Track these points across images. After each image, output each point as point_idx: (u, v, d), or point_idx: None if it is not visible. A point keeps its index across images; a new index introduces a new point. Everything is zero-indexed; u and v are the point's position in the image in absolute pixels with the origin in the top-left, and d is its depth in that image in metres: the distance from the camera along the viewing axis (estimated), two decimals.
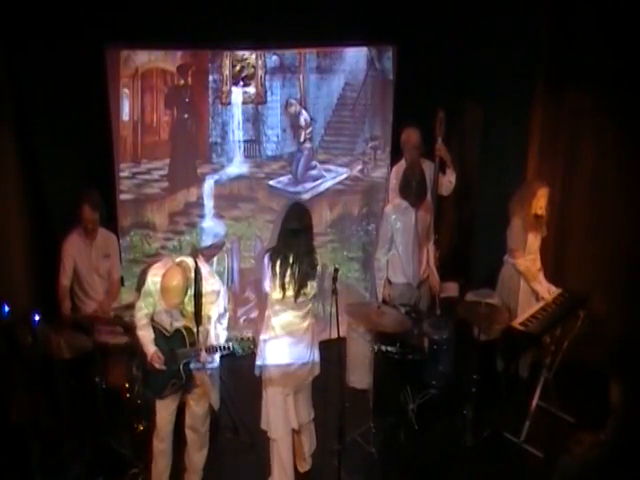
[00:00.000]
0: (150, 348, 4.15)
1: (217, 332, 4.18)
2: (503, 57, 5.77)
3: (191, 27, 5.35)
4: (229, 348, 4.05)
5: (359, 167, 6.43)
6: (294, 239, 4.17)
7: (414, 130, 5.46)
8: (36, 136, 5.34)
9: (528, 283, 5.25)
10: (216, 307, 4.13)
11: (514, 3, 5.71)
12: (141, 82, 5.69)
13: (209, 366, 4.21)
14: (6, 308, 4.49)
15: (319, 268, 4.34)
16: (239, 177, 6.10)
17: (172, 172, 5.92)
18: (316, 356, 4.38)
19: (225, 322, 4.26)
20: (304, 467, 4.60)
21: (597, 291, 5.35)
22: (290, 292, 4.17)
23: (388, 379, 4.95)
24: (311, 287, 4.21)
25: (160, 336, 4.17)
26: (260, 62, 5.94)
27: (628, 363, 2.80)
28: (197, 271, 4.03)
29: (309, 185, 6.31)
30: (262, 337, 4.34)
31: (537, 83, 5.82)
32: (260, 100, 6.02)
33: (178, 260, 4.05)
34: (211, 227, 6.09)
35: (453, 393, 5.08)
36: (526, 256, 5.24)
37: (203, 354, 4.07)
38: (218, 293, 4.13)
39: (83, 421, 4.67)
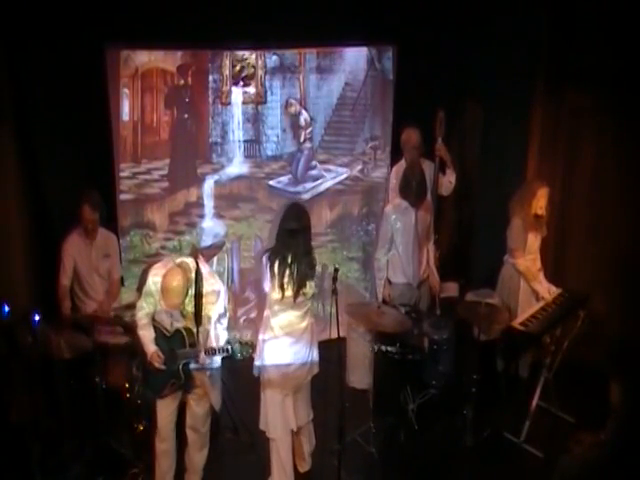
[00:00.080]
0: (150, 347, 4.15)
1: (217, 332, 4.17)
2: (503, 57, 5.77)
3: (191, 27, 5.35)
4: (227, 351, 4.06)
5: (359, 167, 6.42)
6: (292, 239, 4.16)
7: (414, 130, 5.46)
8: (36, 136, 5.34)
9: (528, 283, 5.25)
10: (216, 307, 4.13)
11: (514, 3, 5.71)
12: (141, 82, 5.69)
13: (208, 367, 4.20)
14: (6, 308, 4.49)
15: (319, 268, 4.36)
16: (239, 177, 6.10)
17: (172, 172, 5.92)
18: (315, 356, 4.38)
19: (225, 322, 4.25)
20: (304, 467, 4.60)
21: (597, 291, 5.35)
22: (289, 292, 4.17)
23: (388, 379, 4.95)
24: (310, 287, 4.21)
25: (160, 336, 4.18)
26: (260, 62, 5.94)
27: (628, 363, 2.80)
28: (198, 272, 4.04)
29: (309, 185, 6.31)
30: (261, 337, 4.34)
31: (537, 83, 5.82)
32: (260, 100, 6.02)
33: (179, 261, 4.05)
34: (211, 227, 6.09)
35: (453, 393, 5.08)
36: (526, 256, 5.24)
37: (202, 355, 4.07)
38: (218, 293, 4.13)
39: (83, 421, 4.67)
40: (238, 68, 5.91)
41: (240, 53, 5.88)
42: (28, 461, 4.35)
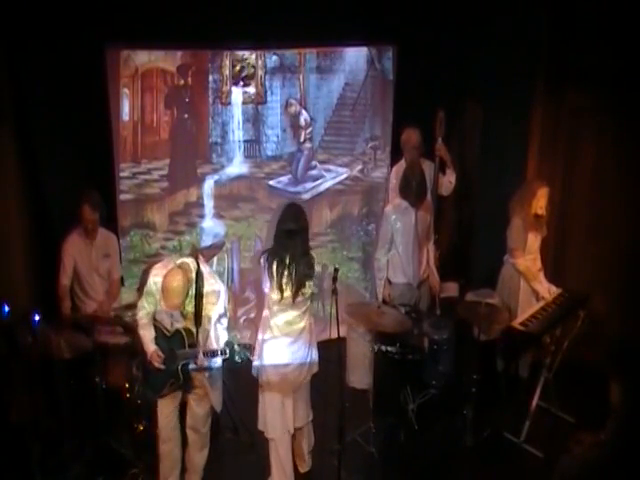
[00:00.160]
0: (150, 347, 4.16)
1: (217, 332, 4.17)
2: (503, 57, 5.77)
3: (191, 27, 5.35)
4: (225, 353, 4.06)
5: (359, 167, 6.43)
6: (290, 240, 4.16)
7: (414, 130, 5.46)
8: (36, 136, 5.34)
9: (528, 283, 5.25)
10: (216, 308, 4.13)
11: (514, 3, 5.71)
12: (141, 82, 5.69)
13: (207, 369, 4.20)
14: (6, 308, 4.49)
15: (319, 268, 4.36)
16: (239, 177, 6.10)
17: (172, 172, 5.92)
18: (314, 356, 4.38)
19: (225, 322, 4.25)
20: (304, 467, 4.60)
21: (597, 291, 5.34)
22: (288, 293, 4.16)
23: (388, 379, 4.94)
24: (309, 287, 4.21)
25: (161, 335, 4.18)
26: (260, 62, 5.94)
27: (628, 363, 2.80)
28: (199, 273, 4.04)
29: (309, 185, 6.31)
30: (260, 337, 4.34)
31: (537, 83, 5.82)
32: (260, 100, 6.02)
33: (179, 262, 4.05)
34: (211, 227, 6.09)
35: (453, 393, 5.08)
36: (526, 256, 5.24)
37: (200, 357, 4.07)
38: (218, 293, 4.13)
39: (83, 421, 4.67)
40: (238, 68, 5.91)
41: (240, 53, 5.88)
42: (28, 461, 4.35)
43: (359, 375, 5.19)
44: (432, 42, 5.83)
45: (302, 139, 6.19)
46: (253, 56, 5.91)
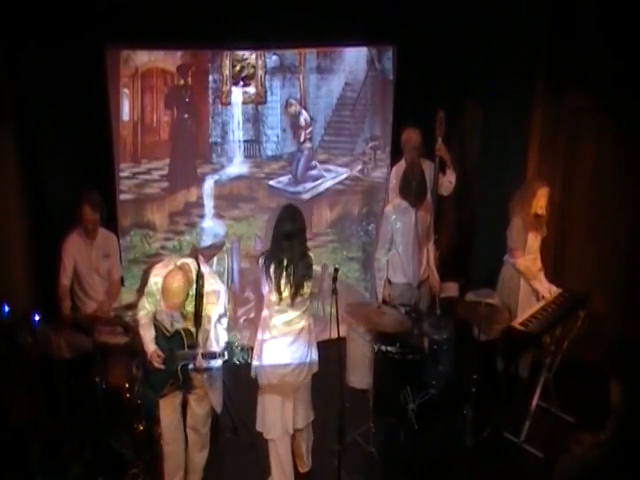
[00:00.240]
0: (150, 347, 4.16)
1: (217, 332, 4.17)
2: (503, 57, 5.77)
3: (191, 27, 5.35)
4: (224, 356, 4.06)
5: (359, 167, 6.43)
6: (287, 242, 4.14)
7: (414, 130, 5.46)
8: (36, 136, 5.34)
9: (528, 282, 5.25)
10: (216, 308, 4.12)
11: (514, 3, 5.71)
12: (141, 82, 5.69)
13: (206, 370, 4.19)
14: (6, 308, 4.49)
15: (319, 268, 4.34)
16: (239, 177, 6.10)
17: (172, 172, 5.92)
18: (314, 356, 4.38)
19: (225, 322, 4.25)
20: (304, 467, 4.60)
21: (597, 291, 5.34)
22: (286, 294, 4.16)
23: (388, 379, 4.94)
24: (307, 287, 4.20)
25: (161, 336, 4.18)
26: (260, 62, 5.94)
27: (628, 363, 2.80)
28: (199, 274, 4.03)
29: (309, 185, 6.31)
30: (260, 337, 4.33)
31: (537, 83, 5.82)
32: (260, 100, 6.02)
33: (180, 263, 4.04)
34: (211, 227, 6.09)
35: (453, 393, 5.08)
36: (526, 256, 5.24)
37: (199, 359, 4.07)
38: (218, 293, 4.12)
39: (83, 421, 4.67)
40: (238, 68, 5.91)
41: (240, 53, 5.88)
42: (28, 461, 4.35)
43: (359, 375, 5.19)
44: (432, 42, 5.83)
45: (302, 139, 6.19)
46: (253, 56, 5.92)
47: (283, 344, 4.27)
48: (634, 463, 2.65)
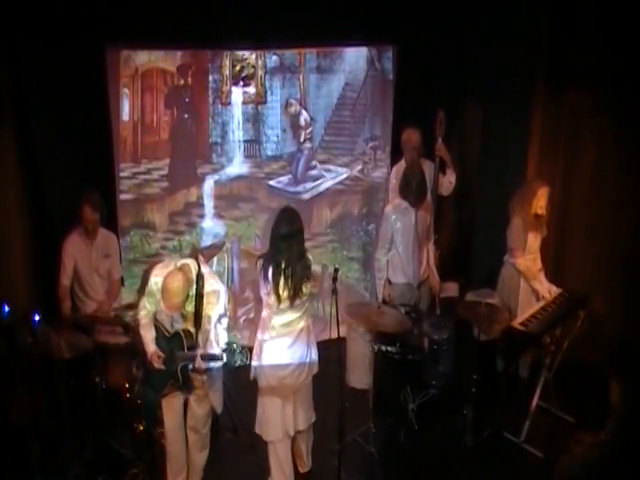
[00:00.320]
0: (150, 347, 4.16)
1: (217, 332, 4.16)
2: (503, 57, 5.77)
3: (191, 27, 5.36)
4: (222, 358, 4.05)
5: (359, 167, 6.42)
6: (285, 244, 4.12)
7: (414, 130, 5.46)
8: (36, 136, 5.34)
9: (528, 282, 5.24)
10: (216, 308, 4.12)
11: (514, 3, 5.71)
12: (141, 82, 5.70)
13: (205, 371, 4.19)
14: (6, 308, 4.49)
15: (319, 268, 4.33)
16: (239, 177, 6.10)
17: (172, 172, 5.92)
18: (314, 356, 4.37)
19: (225, 322, 4.24)
20: (304, 468, 4.60)
21: (597, 291, 5.34)
22: (285, 296, 4.14)
23: (388, 379, 4.94)
24: (306, 288, 4.19)
25: (161, 336, 4.19)
26: (260, 62, 5.94)
27: (628, 363, 2.80)
28: (199, 274, 4.03)
29: (309, 185, 6.31)
30: (259, 337, 4.33)
31: (537, 83, 5.82)
32: (260, 100, 6.02)
33: (180, 264, 4.04)
34: (211, 227, 6.09)
35: (453, 393, 5.08)
36: (526, 256, 5.24)
37: (198, 360, 4.05)
38: (218, 293, 4.12)
39: (83, 421, 4.67)
40: (238, 68, 5.91)
41: (240, 53, 5.88)
42: (28, 461, 4.35)
43: (359, 375, 5.19)
44: (432, 42, 5.83)
45: (302, 139, 6.19)
46: (253, 56, 5.92)
47: (283, 345, 4.26)
48: (634, 463, 2.65)
